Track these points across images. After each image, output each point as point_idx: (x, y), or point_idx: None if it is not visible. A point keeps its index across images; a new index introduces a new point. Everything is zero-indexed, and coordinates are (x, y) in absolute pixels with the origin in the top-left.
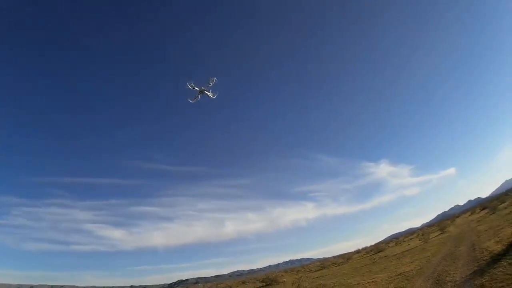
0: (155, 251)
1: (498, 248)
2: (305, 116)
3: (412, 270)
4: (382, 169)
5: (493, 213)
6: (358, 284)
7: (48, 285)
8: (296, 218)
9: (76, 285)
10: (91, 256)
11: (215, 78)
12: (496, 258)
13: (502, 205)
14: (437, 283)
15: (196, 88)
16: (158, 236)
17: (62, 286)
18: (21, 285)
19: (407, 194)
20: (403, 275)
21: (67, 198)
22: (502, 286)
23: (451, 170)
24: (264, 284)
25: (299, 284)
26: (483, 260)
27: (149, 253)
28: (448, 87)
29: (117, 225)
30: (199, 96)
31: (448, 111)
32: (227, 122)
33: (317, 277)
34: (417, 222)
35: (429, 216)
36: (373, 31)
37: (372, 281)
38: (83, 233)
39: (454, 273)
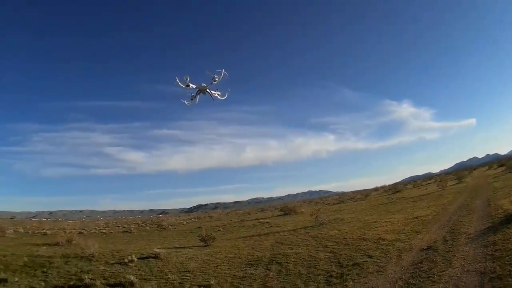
0: (175, 174)
1: None
2: (330, 47)
3: (428, 215)
4: (404, 109)
5: (510, 172)
6: (375, 222)
7: (67, 211)
8: (316, 148)
9: (95, 209)
10: (111, 179)
11: (223, 72)
12: (510, 219)
13: None
14: (451, 232)
15: (192, 85)
16: (178, 159)
17: (81, 210)
18: (40, 212)
19: (427, 137)
20: (419, 219)
21: (88, 121)
22: None
23: (472, 121)
24: (283, 213)
25: (317, 216)
26: (497, 217)
27: (169, 177)
28: (482, 34)
29: (138, 148)
30: (198, 97)
31: (478, 60)
32: (250, 47)
33: (335, 210)
34: (435, 168)
35: (447, 163)
36: None
37: (389, 221)
38: (103, 157)
39: (468, 226)
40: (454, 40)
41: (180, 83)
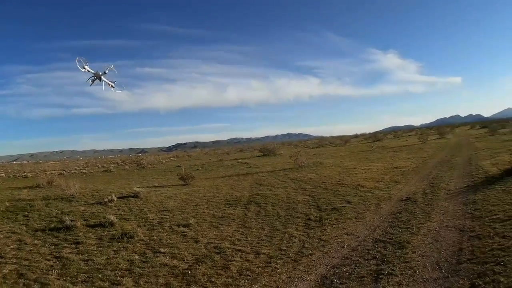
0: (157, 113)
1: (493, 170)
2: None
3: (407, 166)
4: (390, 59)
5: (492, 134)
6: (354, 168)
7: (48, 152)
8: (299, 92)
9: (75, 149)
10: (92, 119)
11: (112, 66)
12: (491, 180)
13: (502, 130)
14: (431, 186)
15: (89, 70)
16: (160, 97)
17: (62, 151)
18: (21, 155)
19: (411, 90)
20: (398, 169)
21: (72, 61)
22: (493, 210)
23: (457, 79)
24: (262, 154)
25: (296, 158)
26: (478, 177)
27: (150, 115)
28: None
29: (120, 86)
30: (94, 81)
31: (471, 18)
32: None
33: (314, 154)
34: (417, 120)
35: (429, 118)
36: None
37: (368, 168)
38: (86, 95)
39: (448, 181)
40: None
41: (78, 65)
